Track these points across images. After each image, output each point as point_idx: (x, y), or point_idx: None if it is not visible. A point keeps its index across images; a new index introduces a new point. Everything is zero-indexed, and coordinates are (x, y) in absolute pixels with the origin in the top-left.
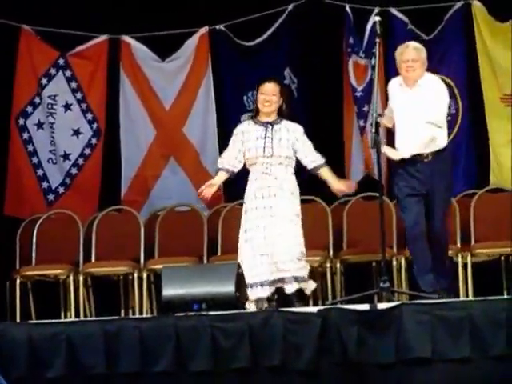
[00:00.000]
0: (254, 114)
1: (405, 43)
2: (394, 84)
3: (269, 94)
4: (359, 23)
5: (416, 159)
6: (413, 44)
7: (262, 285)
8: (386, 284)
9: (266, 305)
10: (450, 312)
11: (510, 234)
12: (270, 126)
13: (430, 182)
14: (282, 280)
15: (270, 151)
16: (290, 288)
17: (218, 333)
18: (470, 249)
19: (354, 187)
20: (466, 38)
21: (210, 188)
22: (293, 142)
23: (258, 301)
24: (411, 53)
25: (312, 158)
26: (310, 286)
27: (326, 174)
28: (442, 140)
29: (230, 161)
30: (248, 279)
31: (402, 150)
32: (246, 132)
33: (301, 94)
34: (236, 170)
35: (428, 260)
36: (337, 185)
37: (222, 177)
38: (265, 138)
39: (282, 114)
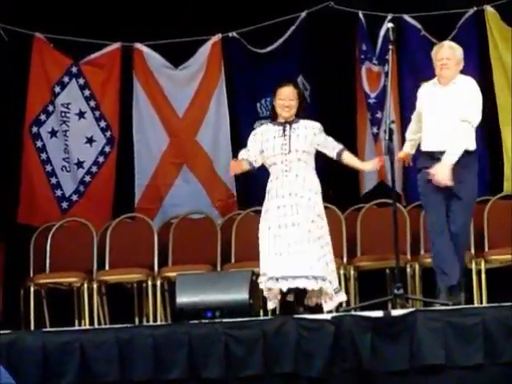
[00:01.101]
0: (273, 117)
1: (441, 43)
2: (427, 86)
3: (287, 99)
4: (372, 30)
5: (439, 159)
6: (448, 43)
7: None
8: (399, 291)
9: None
10: (464, 318)
11: None
12: (287, 125)
13: (453, 187)
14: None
15: (287, 147)
16: (309, 285)
17: (231, 340)
18: (483, 255)
19: (380, 162)
20: (479, 45)
21: (240, 165)
22: (311, 137)
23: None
24: (446, 51)
25: (333, 146)
26: (336, 299)
27: (350, 157)
28: (470, 142)
29: (251, 157)
30: (271, 273)
31: (438, 145)
32: (264, 133)
33: (314, 101)
34: (256, 166)
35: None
36: (367, 165)
37: (246, 165)
38: (283, 135)
39: (299, 116)
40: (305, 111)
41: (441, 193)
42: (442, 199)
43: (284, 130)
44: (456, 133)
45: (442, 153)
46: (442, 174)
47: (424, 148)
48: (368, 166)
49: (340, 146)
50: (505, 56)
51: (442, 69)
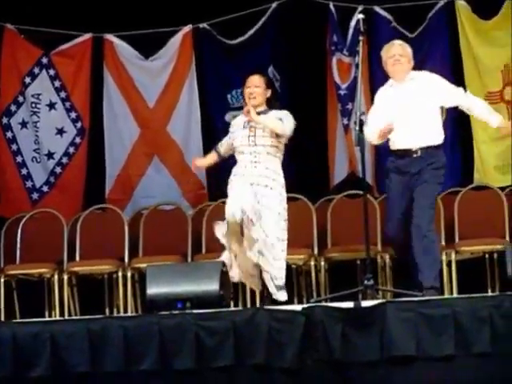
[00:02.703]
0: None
1: (390, 42)
2: (383, 89)
3: (252, 86)
4: (343, 21)
5: (405, 154)
6: (398, 41)
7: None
8: (370, 282)
9: None
10: (434, 309)
11: (493, 232)
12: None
13: (418, 178)
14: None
15: (253, 140)
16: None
17: (202, 331)
18: (454, 246)
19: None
20: (450, 36)
21: (202, 161)
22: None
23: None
24: (397, 48)
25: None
26: (280, 297)
27: None
28: (437, 136)
29: (225, 148)
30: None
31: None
32: (235, 124)
33: (284, 92)
34: (226, 156)
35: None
36: None
37: (212, 156)
38: (248, 127)
39: (272, 106)
40: (275, 102)
41: (404, 196)
42: (403, 202)
43: (249, 121)
44: (471, 102)
45: (416, 150)
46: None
47: (396, 146)
48: None
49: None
50: (475, 47)
51: (395, 64)
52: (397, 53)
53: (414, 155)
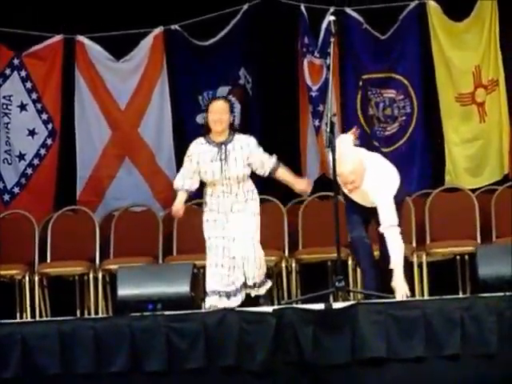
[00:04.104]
0: (206, 132)
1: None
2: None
3: (218, 113)
4: (314, 23)
5: None
6: (346, 169)
7: (219, 295)
8: (341, 283)
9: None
10: (405, 311)
11: (464, 234)
12: (223, 147)
13: None
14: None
15: (228, 174)
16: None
17: (172, 333)
18: (425, 248)
19: (311, 185)
20: (421, 38)
21: (179, 210)
22: (247, 157)
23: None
24: (349, 177)
25: (267, 165)
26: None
27: (283, 174)
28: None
29: (187, 181)
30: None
31: None
32: (201, 153)
33: (256, 94)
34: (193, 190)
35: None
36: (299, 185)
37: (182, 197)
38: (220, 160)
39: (233, 128)
40: (244, 110)
41: (363, 214)
42: (363, 219)
43: (219, 153)
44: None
45: None
46: (403, 287)
47: None
48: (300, 185)
49: (273, 164)
50: (446, 49)
51: (351, 190)
52: (349, 181)
53: None
